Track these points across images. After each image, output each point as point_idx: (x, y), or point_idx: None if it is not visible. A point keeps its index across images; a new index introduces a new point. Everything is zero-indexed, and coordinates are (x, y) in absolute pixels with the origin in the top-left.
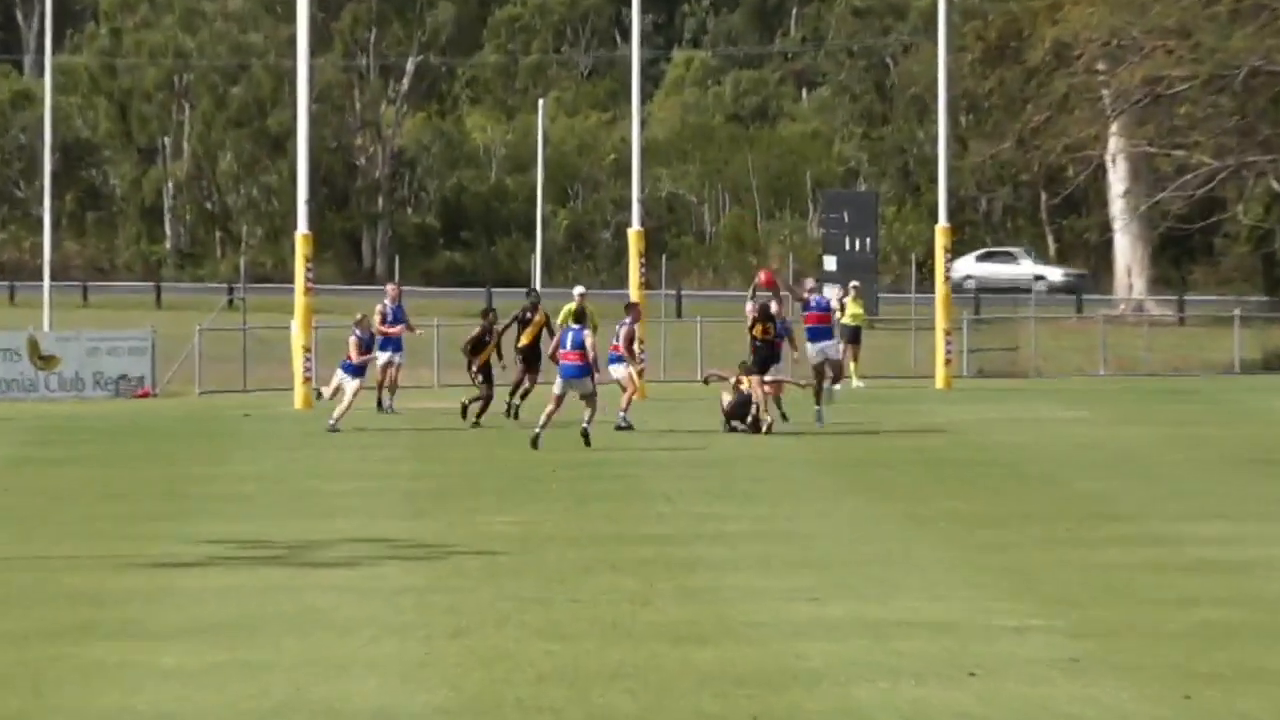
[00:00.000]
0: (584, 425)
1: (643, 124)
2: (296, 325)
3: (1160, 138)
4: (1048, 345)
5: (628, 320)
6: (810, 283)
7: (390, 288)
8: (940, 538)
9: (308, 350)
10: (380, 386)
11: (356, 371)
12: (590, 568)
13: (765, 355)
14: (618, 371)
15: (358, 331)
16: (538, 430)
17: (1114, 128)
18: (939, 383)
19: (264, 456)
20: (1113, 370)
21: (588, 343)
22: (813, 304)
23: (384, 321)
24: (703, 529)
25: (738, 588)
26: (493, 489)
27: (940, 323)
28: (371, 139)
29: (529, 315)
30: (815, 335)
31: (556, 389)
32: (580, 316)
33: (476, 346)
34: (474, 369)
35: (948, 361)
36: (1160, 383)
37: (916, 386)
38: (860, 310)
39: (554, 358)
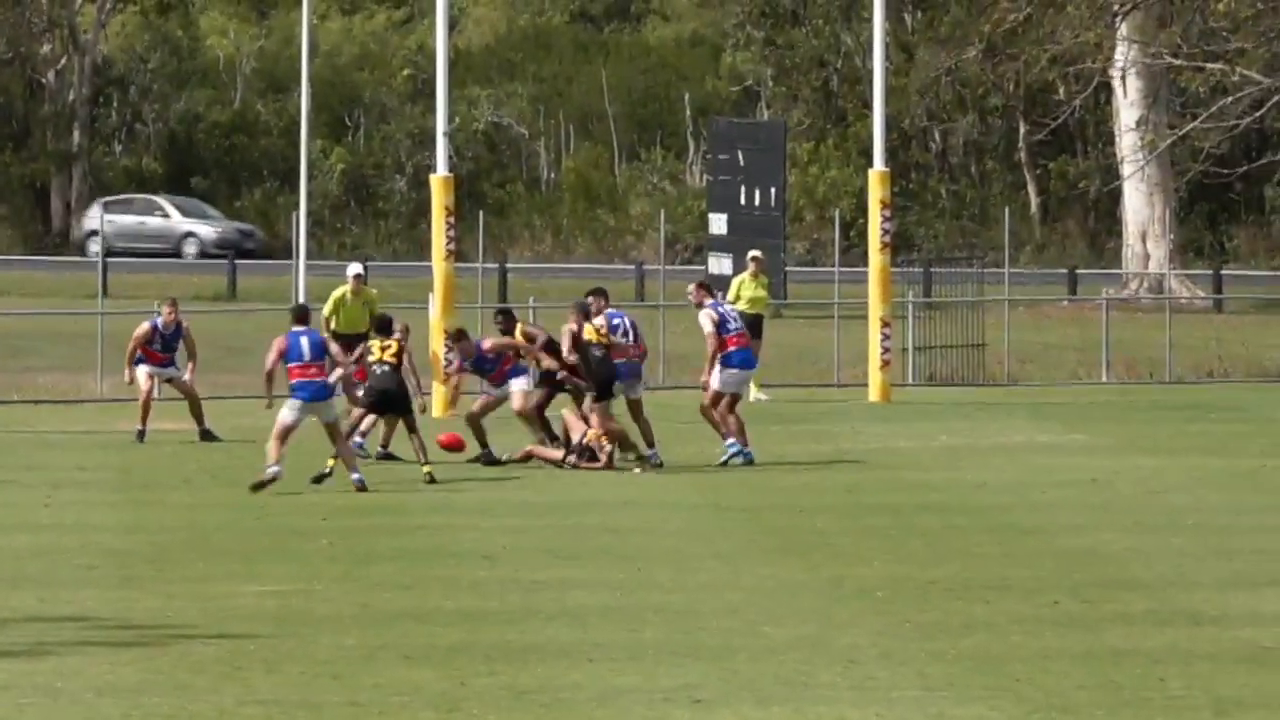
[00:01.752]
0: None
1: (452, 25)
2: None
3: (1190, 45)
4: (1028, 341)
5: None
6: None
7: (166, 309)
8: (877, 615)
9: None
10: (145, 407)
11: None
12: (375, 657)
13: (606, 372)
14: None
15: (454, 361)
16: (274, 468)
17: (1123, 30)
18: (873, 394)
19: None
20: (1121, 376)
21: (332, 348)
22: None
23: (149, 344)
24: (539, 602)
25: (589, 686)
26: (237, 547)
27: (875, 309)
28: (63, 46)
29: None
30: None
31: (288, 416)
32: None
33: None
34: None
35: (885, 364)
36: (1188, 393)
37: (842, 399)
38: (762, 292)
39: (270, 375)
